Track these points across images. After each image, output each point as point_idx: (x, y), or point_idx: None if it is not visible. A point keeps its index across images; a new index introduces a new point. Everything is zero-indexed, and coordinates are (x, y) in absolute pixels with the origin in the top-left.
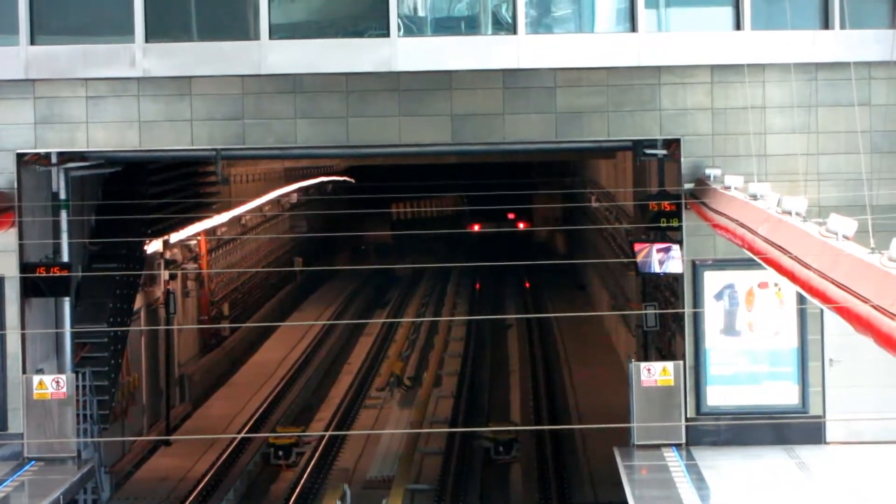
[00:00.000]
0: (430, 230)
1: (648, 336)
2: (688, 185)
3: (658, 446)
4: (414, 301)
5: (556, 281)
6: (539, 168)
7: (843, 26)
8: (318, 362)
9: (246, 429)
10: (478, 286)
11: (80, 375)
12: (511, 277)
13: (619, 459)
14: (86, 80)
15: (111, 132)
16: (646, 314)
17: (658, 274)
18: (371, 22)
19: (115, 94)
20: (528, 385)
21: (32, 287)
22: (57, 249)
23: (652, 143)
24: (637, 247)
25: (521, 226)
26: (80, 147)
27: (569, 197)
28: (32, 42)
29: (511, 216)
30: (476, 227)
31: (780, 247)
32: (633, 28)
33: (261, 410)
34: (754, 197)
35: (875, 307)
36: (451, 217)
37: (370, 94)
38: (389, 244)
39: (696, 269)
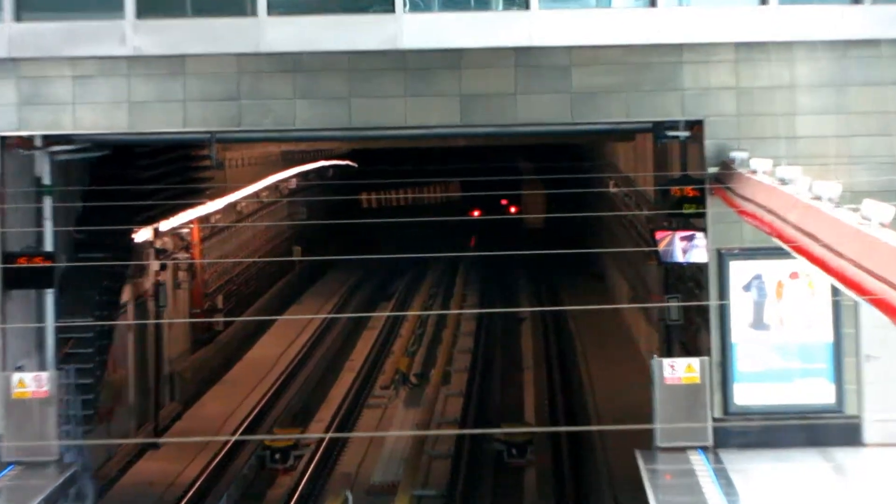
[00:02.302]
0: (431, 218)
1: (672, 330)
2: (712, 169)
3: (683, 449)
4: (420, 293)
5: (572, 271)
6: (552, 152)
7: (874, 1)
8: (318, 359)
9: (240, 430)
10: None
11: (63, 373)
12: (522, 268)
13: (641, 463)
14: (72, 58)
15: (99, 114)
16: (669, 307)
17: (681, 264)
18: None
19: (104, 74)
20: (543, 383)
21: (13, 278)
22: (40, 238)
23: (673, 125)
24: (659, 235)
25: (513, 210)
26: (65, 130)
27: (585, 182)
28: (17, 19)
29: (504, 202)
30: (476, 213)
31: (811, 234)
32: (653, 3)
33: (256, 410)
34: (783, 181)
35: None
36: (457, 205)
37: (374, 74)
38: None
39: (721, 258)
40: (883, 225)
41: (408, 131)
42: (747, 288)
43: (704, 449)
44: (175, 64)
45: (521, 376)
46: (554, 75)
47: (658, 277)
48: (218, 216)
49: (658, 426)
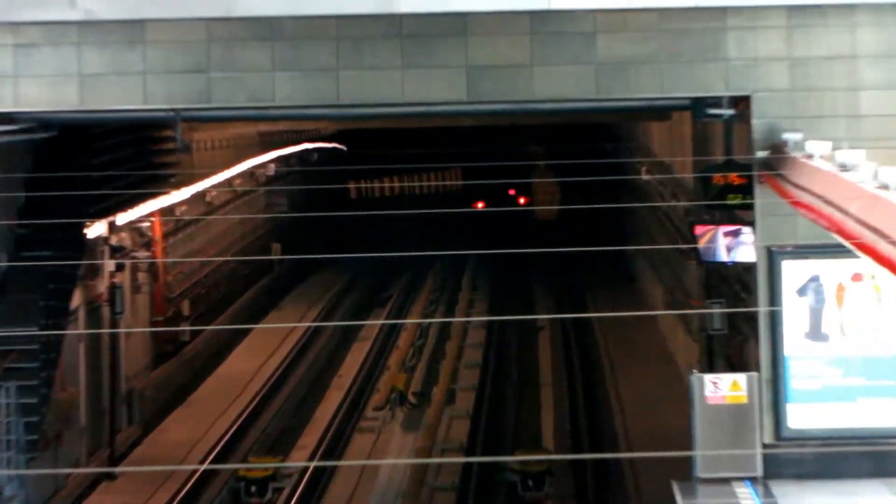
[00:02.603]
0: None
1: (714, 341)
2: (761, 153)
3: (727, 480)
4: (420, 298)
5: (598, 272)
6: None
7: None
8: (301, 374)
9: (210, 458)
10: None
11: (2, 391)
12: (540, 269)
13: (678, 496)
14: (13, 24)
15: (44, 89)
16: (711, 314)
17: (725, 263)
18: None
19: (51, 43)
20: (564, 402)
21: None
22: None
23: (716, 102)
24: (699, 230)
25: (522, 201)
26: (6, 107)
27: (612, 168)
28: None
29: (512, 192)
30: (480, 205)
31: (877, 229)
32: None
33: (229, 435)
34: (844, 167)
35: None
36: (457, 195)
37: (366, 42)
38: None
39: (772, 257)
40: None
41: (405, 109)
42: (802, 292)
43: (752, 480)
44: (133, 30)
45: (539, 395)
46: (576, 44)
47: (698, 279)
48: (184, 208)
49: (698, 453)
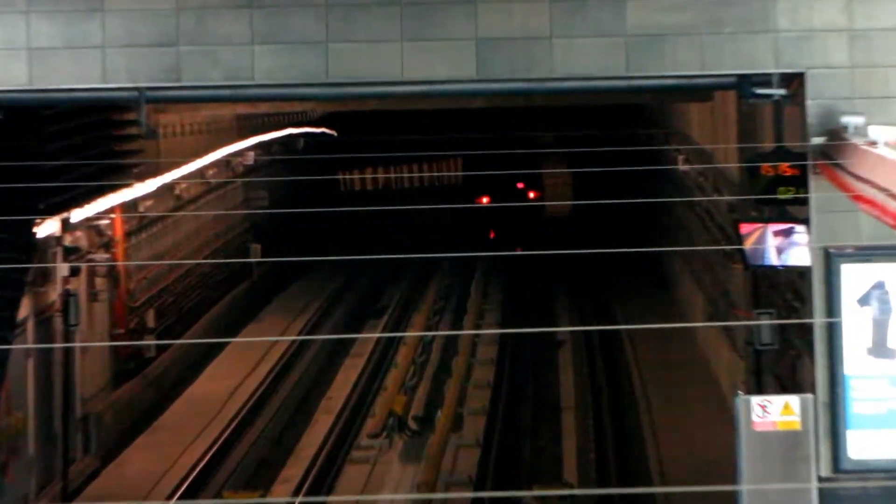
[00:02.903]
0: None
1: (763, 357)
2: (816, 140)
3: None
4: (423, 307)
5: (629, 278)
6: (598, 116)
7: None
8: (285, 396)
9: (179, 493)
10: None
11: None
12: (560, 273)
13: None
14: None
15: None
16: (758, 326)
17: (775, 268)
18: None
19: None
20: (589, 428)
21: None
22: None
23: (764, 80)
24: (744, 228)
25: (532, 195)
26: None
27: (645, 156)
28: None
29: (520, 185)
30: (484, 200)
31: None
32: None
33: (200, 467)
34: None
35: None
36: (458, 190)
37: (359, 10)
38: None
39: (830, 260)
40: None
41: (405, 88)
42: (865, 301)
43: None
44: None
45: (559, 419)
46: (603, 12)
47: (744, 286)
48: (149, 203)
49: (744, 487)
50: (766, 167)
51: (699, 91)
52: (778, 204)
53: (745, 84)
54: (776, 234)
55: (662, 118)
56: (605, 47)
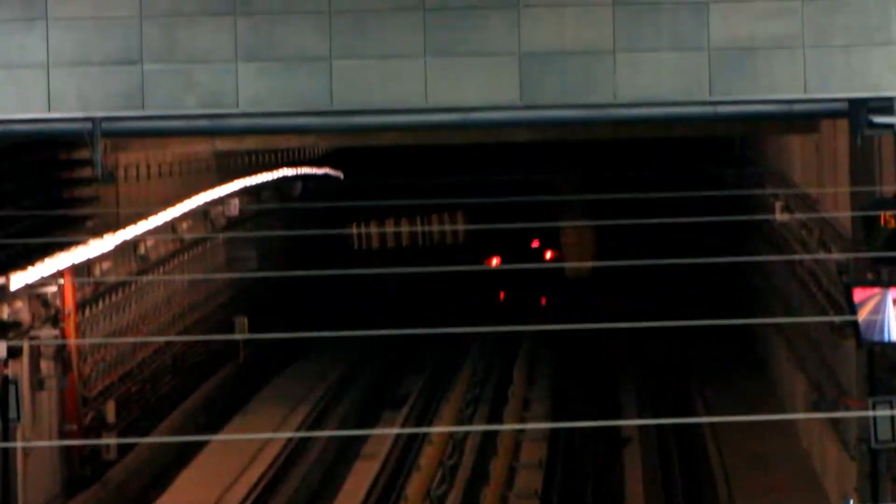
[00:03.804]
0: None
1: (880, 458)
2: None
3: None
4: (452, 397)
5: (711, 356)
6: (670, 151)
7: None
8: None
9: None
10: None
11: None
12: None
13: None
14: None
15: None
16: (875, 418)
17: None
18: None
19: None
20: None
21: None
22: None
23: (884, 105)
24: (859, 294)
25: (549, 255)
26: None
27: (733, 203)
28: None
29: (536, 244)
30: (495, 262)
31: None
32: None
33: None
34: None
35: None
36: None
37: (372, 18)
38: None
39: None
40: None
41: (430, 117)
42: None
43: None
44: (31, 3)
45: None
46: (680, 21)
47: (857, 368)
48: (107, 265)
49: None
50: (886, 217)
51: (801, 120)
52: None
53: (859, 111)
54: None
55: (755, 155)
56: (683, 65)
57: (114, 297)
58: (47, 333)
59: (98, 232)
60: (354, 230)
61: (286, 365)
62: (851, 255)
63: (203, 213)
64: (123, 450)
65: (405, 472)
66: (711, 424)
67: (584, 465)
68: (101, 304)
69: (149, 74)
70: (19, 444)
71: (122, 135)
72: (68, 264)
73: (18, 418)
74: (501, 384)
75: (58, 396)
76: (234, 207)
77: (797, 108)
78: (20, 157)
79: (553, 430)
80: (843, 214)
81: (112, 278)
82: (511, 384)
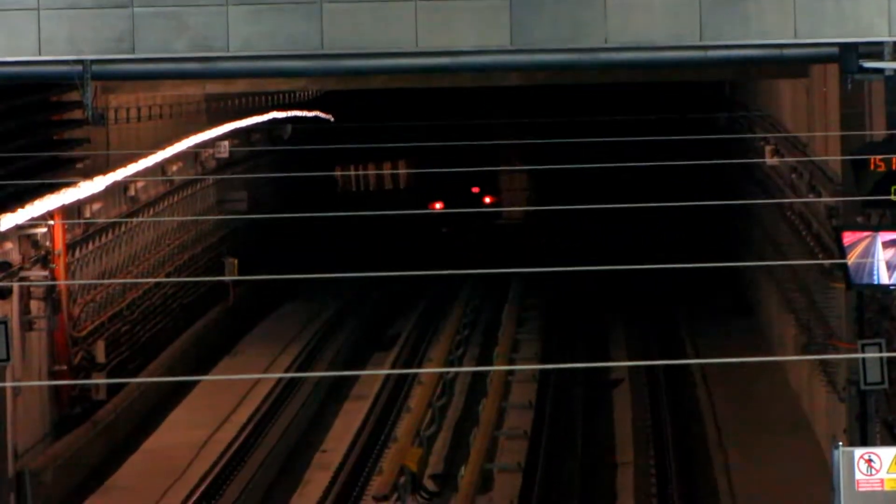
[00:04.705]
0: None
1: (869, 400)
2: None
3: None
4: (442, 337)
5: (702, 300)
6: (663, 94)
7: None
8: (269, 450)
9: None
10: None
11: None
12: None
13: None
14: None
15: None
16: (863, 360)
17: (886, 288)
18: None
19: None
20: (651, 489)
21: None
22: None
23: (874, 50)
24: (848, 237)
25: (487, 200)
26: None
27: (724, 147)
28: None
29: (475, 189)
30: (438, 206)
31: None
32: None
33: None
34: None
35: None
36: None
37: None
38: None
39: None
40: None
41: (420, 61)
42: None
43: None
44: None
45: (614, 479)
46: None
47: (846, 311)
48: (97, 207)
49: None
50: (876, 161)
51: (792, 65)
52: (891, 207)
53: (849, 56)
54: (888, 244)
55: (746, 99)
56: (674, 9)
57: (103, 239)
58: (37, 274)
59: (88, 174)
60: (338, 173)
61: (276, 306)
62: (841, 199)
63: (193, 155)
64: (113, 390)
65: (395, 412)
66: (701, 368)
67: (574, 405)
68: (90, 245)
69: (139, 17)
70: (9, 385)
71: (112, 78)
72: (58, 205)
73: (8, 358)
74: (491, 325)
75: (47, 337)
76: (225, 150)
77: (787, 52)
78: (11, 99)
79: (542, 371)
80: (833, 158)
81: (102, 220)
82: (500, 326)
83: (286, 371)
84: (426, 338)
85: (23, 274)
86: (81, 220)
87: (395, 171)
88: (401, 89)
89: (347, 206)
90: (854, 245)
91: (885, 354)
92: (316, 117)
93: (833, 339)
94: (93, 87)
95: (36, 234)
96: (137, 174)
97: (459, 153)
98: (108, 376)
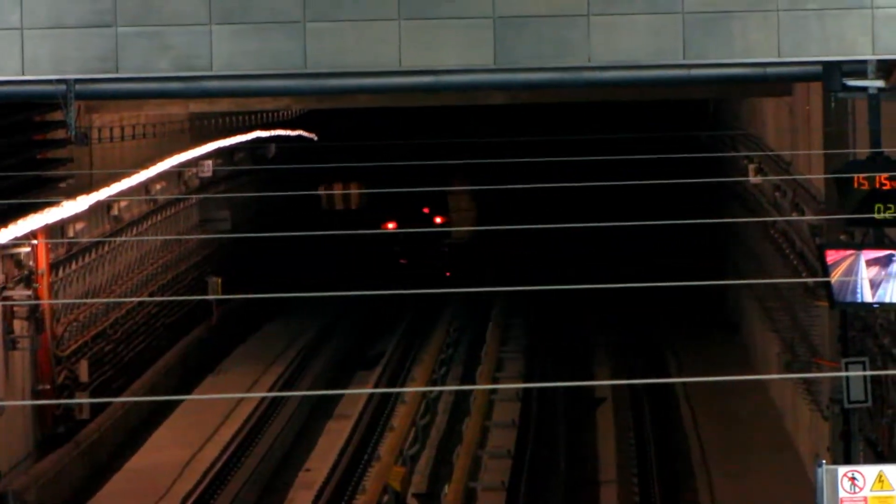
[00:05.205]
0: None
1: (852, 418)
2: None
3: None
4: (426, 356)
5: (686, 319)
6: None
7: None
8: (252, 469)
9: None
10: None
11: None
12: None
13: None
14: None
15: None
16: (847, 379)
17: (870, 306)
18: None
19: None
20: None
21: None
22: None
23: (858, 69)
24: (831, 256)
25: (438, 220)
26: None
27: (709, 165)
28: None
29: (426, 210)
30: (391, 226)
31: None
32: None
33: None
34: None
35: None
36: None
37: None
38: None
39: None
40: None
41: (403, 80)
42: None
43: None
44: None
45: (597, 497)
46: None
47: (830, 330)
48: (80, 226)
49: None
50: (859, 179)
51: (776, 83)
52: (874, 226)
53: (833, 74)
54: (871, 263)
55: (729, 118)
56: (657, 28)
57: (87, 258)
58: (20, 294)
59: (72, 193)
60: (328, 192)
61: (259, 325)
62: (824, 217)
63: (177, 175)
64: (96, 409)
65: (378, 431)
66: (685, 386)
67: (558, 424)
68: (74, 264)
69: (123, 37)
70: None
71: (96, 97)
72: (42, 225)
73: None
74: (474, 344)
75: (31, 356)
76: (208, 169)
77: (771, 71)
78: None
79: (526, 390)
80: (817, 177)
81: (85, 239)
82: (484, 344)
83: (269, 390)
84: (410, 355)
85: (6, 293)
86: (65, 240)
87: (346, 192)
88: (381, 108)
89: (330, 225)
90: (837, 263)
91: (868, 373)
92: (299, 136)
93: (816, 357)
94: (76, 106)
95: (19, 254)
96: (121, 193)
97: (412, 173)
98: (92, 395)
